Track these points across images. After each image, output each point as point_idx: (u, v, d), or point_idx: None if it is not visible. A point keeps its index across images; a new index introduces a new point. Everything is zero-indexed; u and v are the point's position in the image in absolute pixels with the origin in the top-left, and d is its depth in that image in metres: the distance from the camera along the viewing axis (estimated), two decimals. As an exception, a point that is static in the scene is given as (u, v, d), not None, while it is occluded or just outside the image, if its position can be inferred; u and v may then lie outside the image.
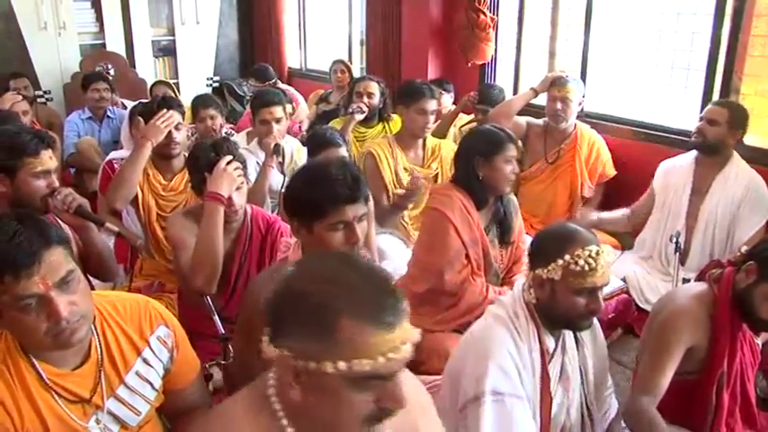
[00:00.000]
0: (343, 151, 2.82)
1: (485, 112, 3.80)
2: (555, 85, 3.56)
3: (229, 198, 2.18)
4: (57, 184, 2.05)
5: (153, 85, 5.18)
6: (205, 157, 2.23)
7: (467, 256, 2.42)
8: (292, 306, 0.99)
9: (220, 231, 2.15)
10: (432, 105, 3.24)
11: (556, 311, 1.64)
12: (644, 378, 1.87)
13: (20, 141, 1.98)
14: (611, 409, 1.89)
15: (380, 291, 0.99)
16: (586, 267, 1.56)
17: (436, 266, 2.42)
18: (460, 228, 2.39)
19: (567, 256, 1.57)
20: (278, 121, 3.23)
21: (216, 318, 2.11)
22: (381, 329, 0.96)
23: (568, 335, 1.74)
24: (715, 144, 2.97)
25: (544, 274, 1.61)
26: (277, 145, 3.04)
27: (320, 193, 1.64)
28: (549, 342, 1.69)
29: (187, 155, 2.57)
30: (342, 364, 0.95)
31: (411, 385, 1.26)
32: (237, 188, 2.23)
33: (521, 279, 1.75)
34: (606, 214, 3.32)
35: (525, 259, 2.65)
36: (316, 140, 2.88)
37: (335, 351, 0.95)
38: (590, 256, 1.56)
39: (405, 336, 0.98)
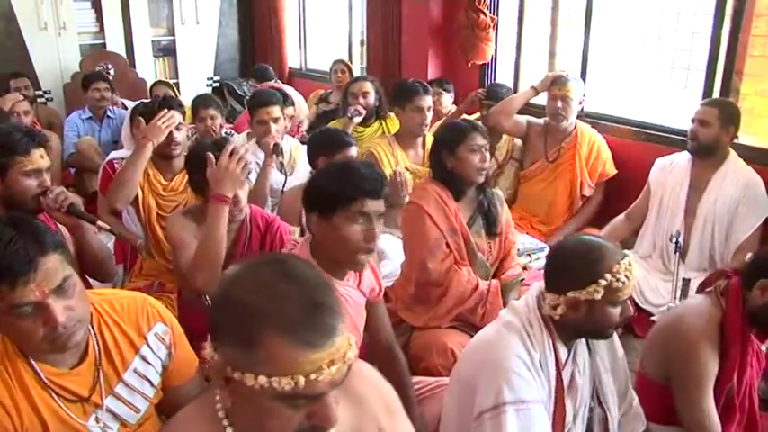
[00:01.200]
0: (354, 150, 2.84)
1: (490, 108, 3.81)
2: (556, 84, 3.56)
3: (234, 196, 2.17)
4: (49, 183, 2.03)
5: (153, 85, 5.18)
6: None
7: (447, 245, 2.45)
8: (225, 312, 0.97)
9: (224, 232, 2.13)
10: (427, 102, 3.27)
11: (587, 327, 1.60)
12: (696, 421, 1.84)
13: (10, 140, 1.97)
14: (637, 425, 1.84)
15: (312, 307, 0.93)
16: (626, 281, 1.54)
17: (418, 257, 2.46)
18: (436, 217, 2.43)
19: (609, 275, 1.52)
20: (275, 120, 3.23)
21: (215, 318, 2.10)
22: (305, 349, 0.91)
23: (580, 344, 1.70)
24: (709, 145, 2.96)
25: (582, 296, 1.54)
26: (276, 144, 3.04)
27: (347, 183, 1.72)
28: (563, 351, 1.65)
29: (186, 154, 2.56)
30: (262, 379, 0.91)
31: (375, 381, 1.24)
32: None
33: (536, 286, 1.70)
34: (603, 233, 3.31)
35: (515, 255, 2.71)
36: (333, 140, 2.81)
37: (257, 365, 0.92)
38: (626, 268, 1.54)
39: (333, 356, 0.93)
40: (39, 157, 2.00)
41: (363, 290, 1.95)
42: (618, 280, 1.52)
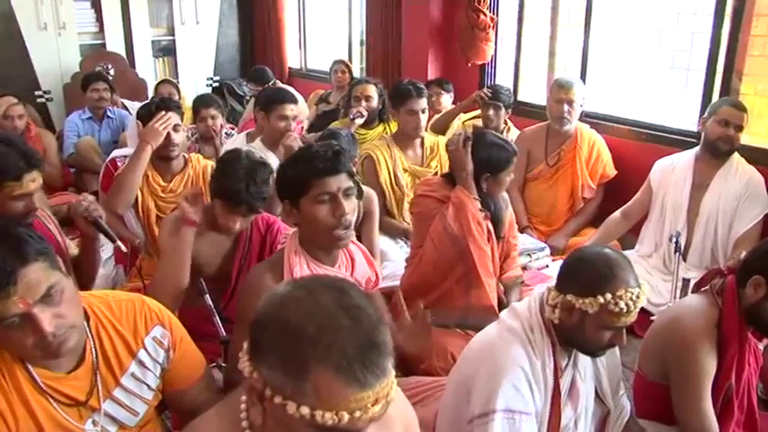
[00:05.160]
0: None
1: (497, 108, 3.80)
2: (561, 87, 3.52)
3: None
4: (36, 205, 1.99)
5: (158, 84, 5.06)
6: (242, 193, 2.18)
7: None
8: (275, 334, 0.94)
9: (188, 260, 2.12)
10: (420, 104, 3.24)
11: (577, 338, 1.58)
12: (693, 420, 1.84)
13: (2, 164, 1.90)
14: (625, 410, 1.85)
15: (368, 346, 0.92)
16: (625, 309, 1.49)
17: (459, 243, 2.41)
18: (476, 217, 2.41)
19: (609, 296, 1.48)
20: (294, 118, 3.20)
21: (216, 318, 2.09)
22: (354, 388, 0.90)
23: None
24: (736, 147, 3.01)
25: (577, 304, 1.52)
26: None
27: (302, 167, 1.74)
28: (562, 358, 1.64)
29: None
30: (304, 410, 0.90)
31: (398, 401, 1.22)
32: None
33: (539, 289, 1.68)
34: (595, 238, 3.32)
35: (515, 255, 2.70)
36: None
37: (301, 395, 0.91)
38: (631, 298, 1.49)
39: (378, 396, 0.92)
40: (29, 182, 1.94)
41: (358, 278, 1.92)
42: (616, 304, 1.48)
